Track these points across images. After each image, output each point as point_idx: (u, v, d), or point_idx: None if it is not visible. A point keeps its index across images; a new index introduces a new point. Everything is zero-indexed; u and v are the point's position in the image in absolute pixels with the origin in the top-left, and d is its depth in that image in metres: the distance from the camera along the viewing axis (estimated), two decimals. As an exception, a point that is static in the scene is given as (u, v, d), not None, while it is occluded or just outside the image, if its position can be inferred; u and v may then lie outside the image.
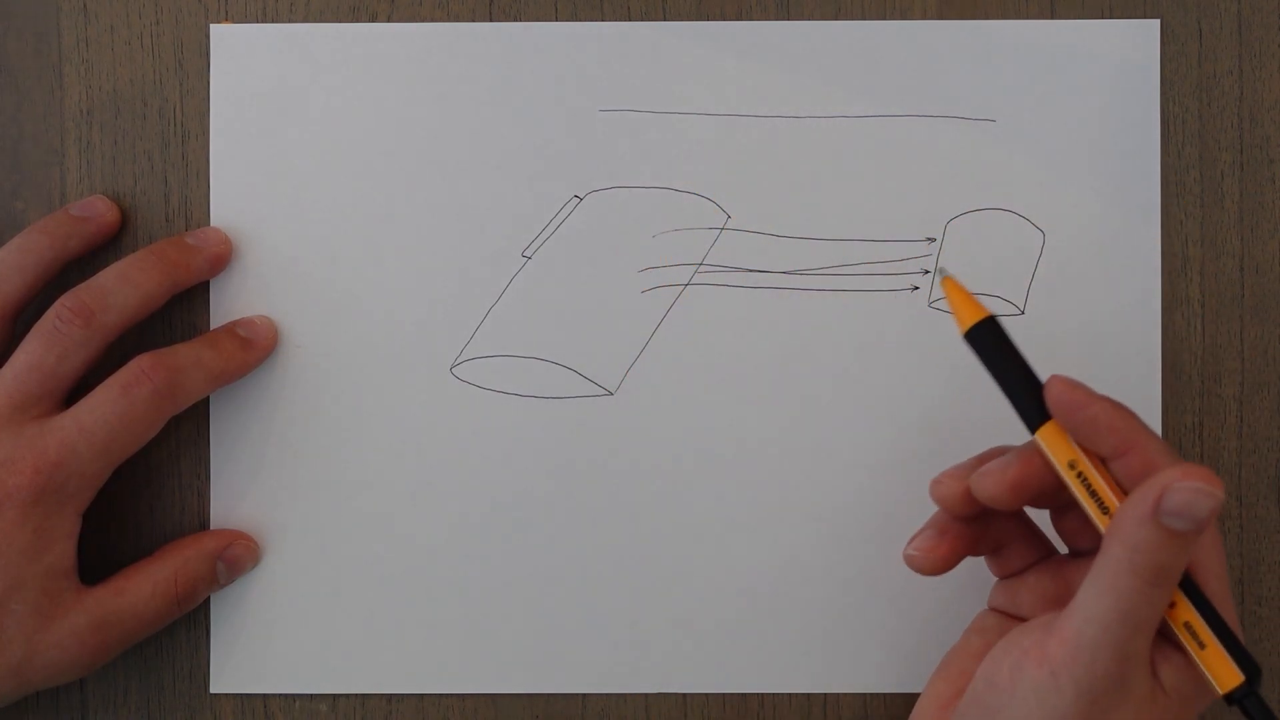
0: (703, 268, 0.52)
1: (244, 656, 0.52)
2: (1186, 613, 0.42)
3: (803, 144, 0.52)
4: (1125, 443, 0.43)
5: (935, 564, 0.46)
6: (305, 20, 0.52)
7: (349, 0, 0.52)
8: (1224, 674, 0.42)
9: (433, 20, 0.52)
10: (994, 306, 0.52)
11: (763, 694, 0.52)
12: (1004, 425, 0.52)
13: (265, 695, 0.52)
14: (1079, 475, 0.43)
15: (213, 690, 0.52)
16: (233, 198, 0.52)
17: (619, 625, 0.52)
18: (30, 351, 0.48)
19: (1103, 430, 0.43)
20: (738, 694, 0.52)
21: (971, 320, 0.44)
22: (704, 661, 0.52)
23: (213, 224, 0.52)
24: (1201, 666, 0.42)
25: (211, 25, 0.52)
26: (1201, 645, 0.42)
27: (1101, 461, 0.44)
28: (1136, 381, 0.52)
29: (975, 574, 0.52)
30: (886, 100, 0.52)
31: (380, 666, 0.52)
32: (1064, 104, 0.52)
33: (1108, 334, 0.52)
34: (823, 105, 0.52)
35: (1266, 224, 0.53)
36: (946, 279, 0.45)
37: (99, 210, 0.51)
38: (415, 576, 0.52)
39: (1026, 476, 0.44)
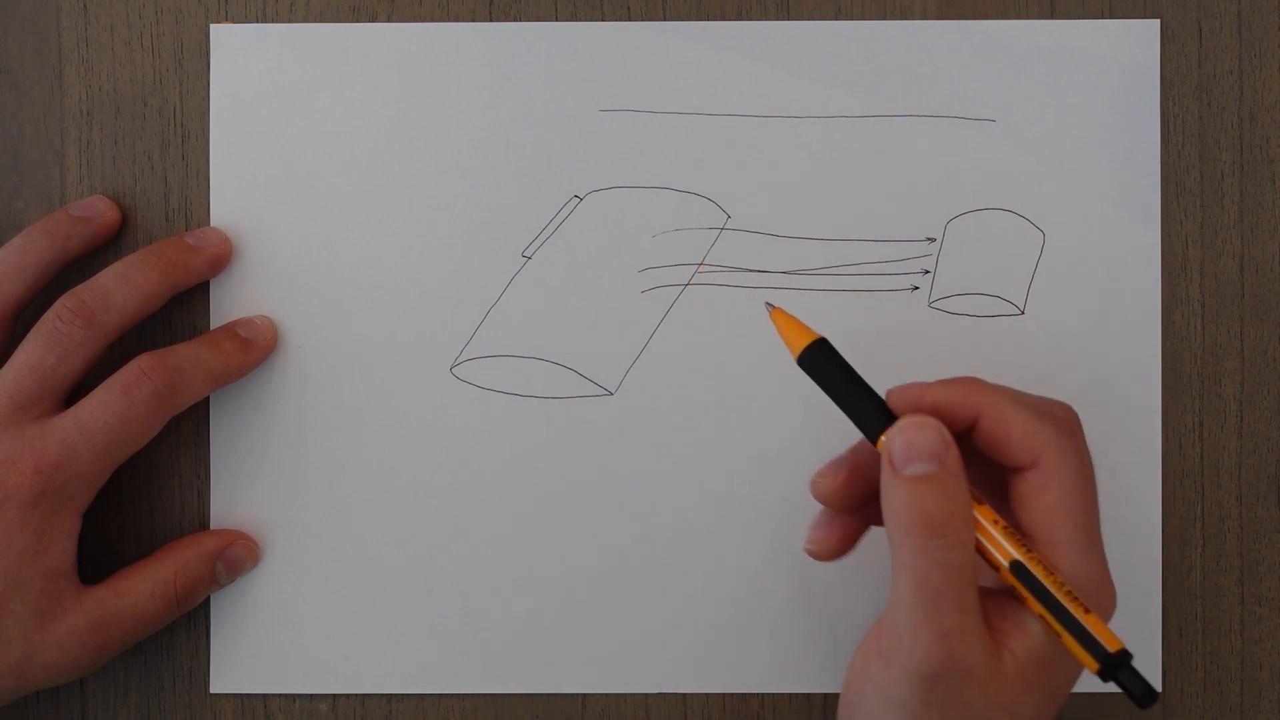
0: (703, 268, 0.52)
1: (244, 656, 0.52)
2: (1034, 604, 0.42)
3: (803, 144, 0.52)
4: (973, 410, 0.43)
5: (832, 551, 0.47)
6: (305, 20, 0.52)
7: (349, 0, 0.52)
8: (1091, 651, 0.42)
9: (433, 20, 0.52)
10: (994, 306, 0.52)
11: (763, 694, 0.52)
12: (1004, 425, 0.52)
13: (265, 695, 0.52)
14: None
15: (213, 690, 0.52)
16: (233, 198, 0.52)
17: (619, 625, 0.52)
18: (30, 352, 0.48)
19: (948, 410, 0.43)
20: (738, 694, 0.52)
21: (802, 344, 0.45)
22: (704, 661, 0.52)
23: (213, 224, 0.52)
24: (1068, 645, 0.42)
25: (211, 25, 0.52)
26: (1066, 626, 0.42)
27: (968, 434, 0.44)
28: (1136, 381, 0.52)
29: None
30: (886, 100, 0.52)
31: (380, 666, 0.52)
32: (1064, 104, 0.52)
33: (1108, 334, 0.52)
34: (823, 105, 0.52)
35: (1266, 224, 0.53)
36: (775, 310, 0.46)
37: (99, 210, 0.51)
38: (415, 576, 0.52)
39: (855, 479, 0.45)
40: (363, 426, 0.52)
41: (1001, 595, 0.44)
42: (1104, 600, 0.44)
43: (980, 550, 0.43)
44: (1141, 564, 0.52)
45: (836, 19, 0.52)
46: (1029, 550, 0.42)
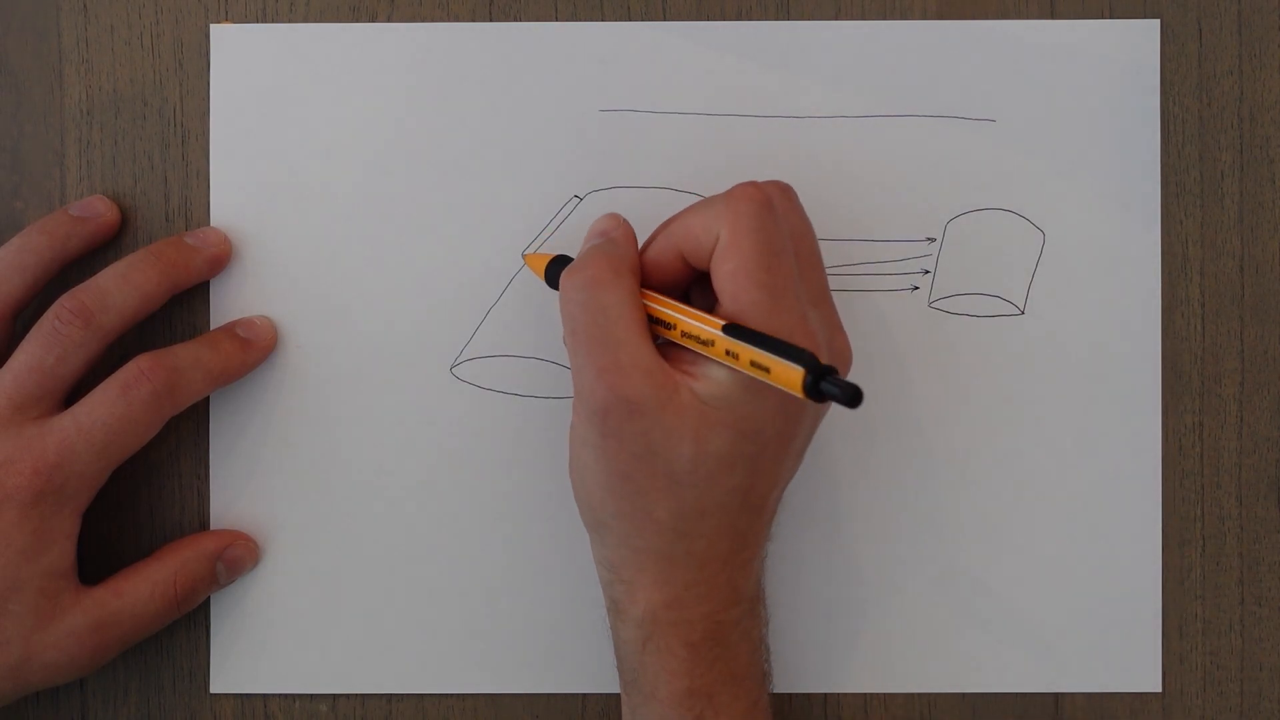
0: (703, 268, 0.52)
1: (244, 656, 0.52)
2: (724, 344, 0.44)
3: (803, 144, 0.52)
4: (674, 241, 0.47)
5: None
6: (305, 20, 0.52)
7: (349, 0, 0.52)
8: (787, 377, 0.43)
9: (433, 20, 0.52)
10: (994, 306, 0.52)
11: None
12: (1004, 425, 0.53)
13: (265, 695, 0.52)
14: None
15: (213, 690, 0.52)
16: (233, 198, 0.52)
17: (619, 625, 0.52)
18: (30, 352, 0.48)
19: (664, 256, 0.47)
20: (738, 694, 0.52)
21: (544, 264, 0.50)
22: (704, 661, 0.52)
23: (212, 224, 0.52)
24: (762, 378, 0.43)
25: (211, 25, 0.52)
26: (763, 367, 0.43)
27: (696, 264, 0.47)
28: (1136, 381, 0.52)
29: (978, 577, 0.52)
30: (886, 100, 0.52)
31: (380, 666, 0.52)
32: (1064, 104, 0.52)
33: (1108, 334, 0.52)
34: (823, 105, 0.52)
35: (1266, 224, 0.53)
36: (527, 256, 0.51)
37: (99, 210, 0.51)
38: (415, 576, 0.52)
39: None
40: (363, 426, 0.52)
41: (690, 350, 0.46)
42: (828, 347, 0.46)
43: (692, 335, 0.45)
44: (1141, 564, 0.52)
45: (836, 19, 0.52)
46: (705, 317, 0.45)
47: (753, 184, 0.46)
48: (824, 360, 0.45)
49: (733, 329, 0.44)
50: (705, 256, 0.46)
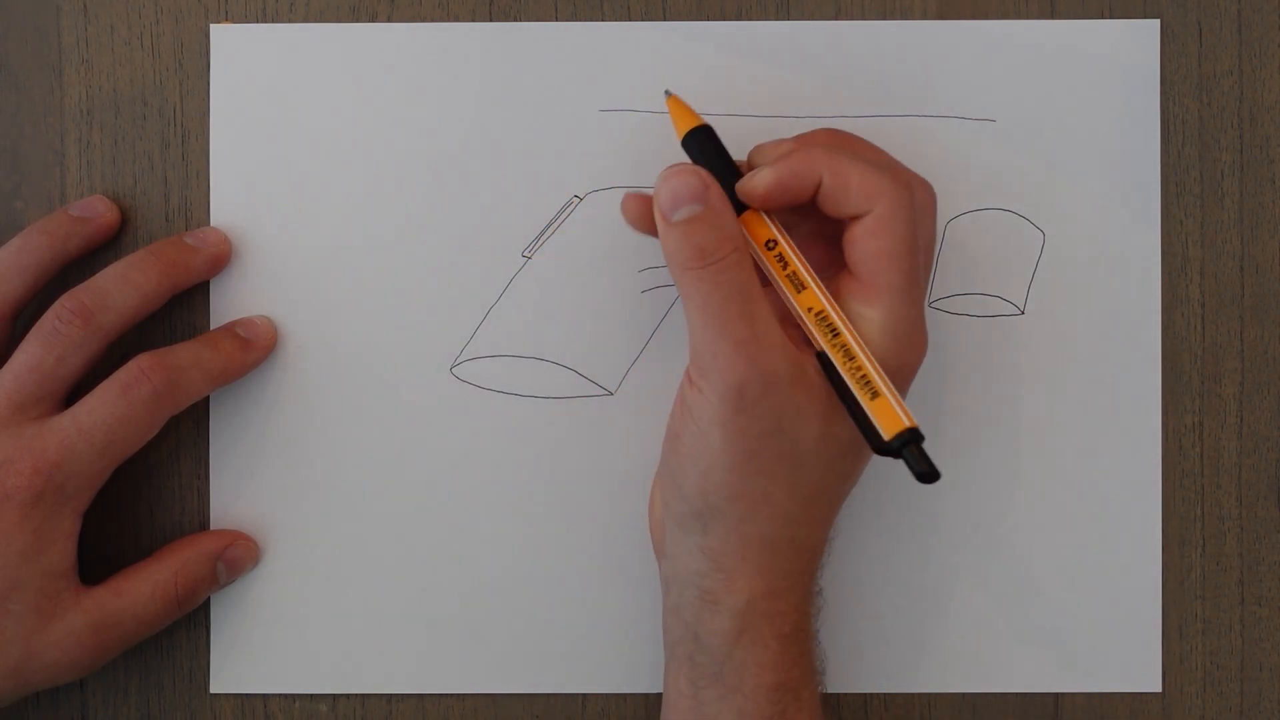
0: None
1: (244, 656, 0.52)
2: (853, 362, 0.45)
3: (803, 144, 0.52)
4: (816, 170, 0.45)
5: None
6: (305, 20, 0.52)
7: (349, 0, 0.52)
8: (888, 421, 0.44)
9: (433, 20, 0.52)
10: (994, 306, 0.52)
11: None
12: (1004, 425, 0.53)
13: (265, 695, 0.52)
14: (775, 255, 0.46)
15: (213, 690, 0.52)
16: (233, 198, 0.52)
17: (619, 625, 0.52)
18: (30, 352, 0.48)
19: (796, 174, 0.46)
20: (738, 694, 0.52)
21: (688, 128, 0.48)
22: (704, 661, 0.52)
23: (212, 224, 0.52)
24: (868, 411, 0.44)
25: (211, 25, 0.52)
26: (873, 394, 0.44)
27: (819, 199, 0.46)
28: (1136, 381, 0.52)
29: (978, 577, 0.52)
30: (886, 100, 0.52)
31: (380, 666, 0.52)
32: (1064, 104, 0.52)
33: (1108, 334, 0.52)
34: (823, 105, 0.52)
35: (1266, 224, 0.53)
36: (670, 97, 0.48)
37: (99, 210, 0.51)
38: (415, 576, 0.52)
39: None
40: (363, 426, 0.52)
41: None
42: (915, 346, 0.46)
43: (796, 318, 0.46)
44: (1141, 564, 0.52)
45: (836, 19, 0.52)
46: (838, 317, 0.45)
47: (919, 176, 0.47)
48: (915, 352, 0.46)
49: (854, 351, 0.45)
50: (844, 209, 0.46)
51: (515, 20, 0.52)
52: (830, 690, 0.52)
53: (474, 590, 0.52)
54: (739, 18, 0.52)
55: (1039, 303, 0.52)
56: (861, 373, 0.44)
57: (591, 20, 0.52)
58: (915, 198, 0.46)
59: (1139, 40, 0.52)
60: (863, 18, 0.52)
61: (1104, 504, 0.52)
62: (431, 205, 0.52)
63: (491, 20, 0.52)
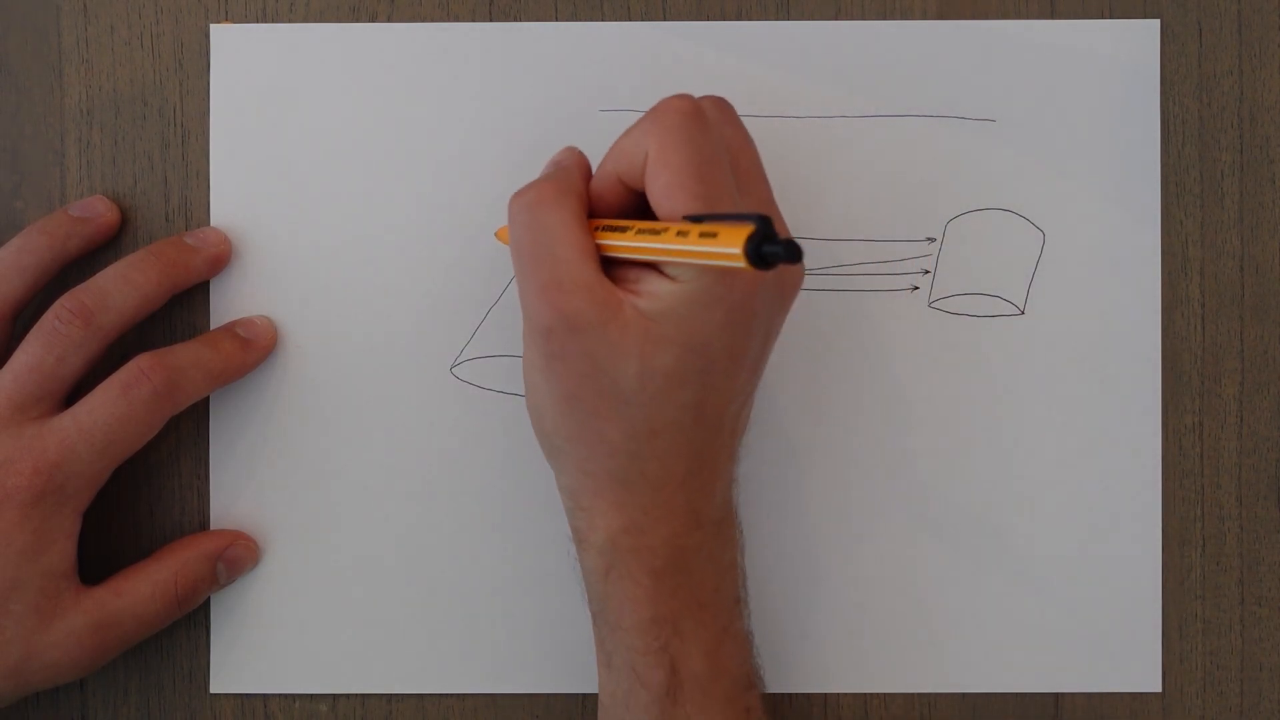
0: (703, 268, 0.52)
1: (244, 656, 0.52)
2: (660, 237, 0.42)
3: (803, 144, 0.52)
4: (613, 170, 0.46)
5: None
6: (305, 20, 0.52)
7: (349, 0, 0.52)
8: (729, 238, 0.40)
9: (433, 20, 0.52)
10: (994, 306, 0.52)
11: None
12: (1003, 425, 0.53)
13: (265, 695, 0.52)
14: (609, 227, 0.45)
15: (213, 690, 0.52)
16: (233, 198, 0.52)
17: (619, 625, 0.52)
18: (30, 352, 0.48)
19: (613, 186, 0.46)
20: (738, 694, 0.52)
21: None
22: (704, 661, 0.52)
23: (212, 224, 0.52)
24: (705, 260, 0.41)
25: (211, 25, 0.52)
26: (710, 234, 0.41)
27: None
28: (1136, 381, 0.52)
29: (978, 578, 0.52)
30: (886, 100, 0.52)
31: (380, 666, 0.52)
32: (1064, 104, 0.52)
33: (1108, 334, 0.52)
34: (823, 105, 0.52)
35: (1266, 224, 0.53)
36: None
37: (99, 210, 0.51)
38: (415, 576, 0.52)
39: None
40: (362, 426, 0.52)
41: (635, 265, 0.45)
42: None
43: (647, 230, 0.44)
44: (1141, 564, 0.52)
45: (836, 19, 0.52)
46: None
47: (681, 94, 0.45)
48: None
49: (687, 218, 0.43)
50: (640, 175, 0.45)
51: (515, 20, 0.52)
52: (830, 691, 0.52)
53: (474, 590, 0.52)
54: (739, 18, 0.52)
55: (1039, 302, 0.52)
56: (677, 231, 0.42)
57: (591, 20, 0.52)
58: (681, 118, 0.44)
59: (1139, 40, 0.52)
60: (863, 18, 0.52)
61: (1104, 504, 0.52)
62: (431, 205, 0.52)
63: (491, 20, 0.52)
